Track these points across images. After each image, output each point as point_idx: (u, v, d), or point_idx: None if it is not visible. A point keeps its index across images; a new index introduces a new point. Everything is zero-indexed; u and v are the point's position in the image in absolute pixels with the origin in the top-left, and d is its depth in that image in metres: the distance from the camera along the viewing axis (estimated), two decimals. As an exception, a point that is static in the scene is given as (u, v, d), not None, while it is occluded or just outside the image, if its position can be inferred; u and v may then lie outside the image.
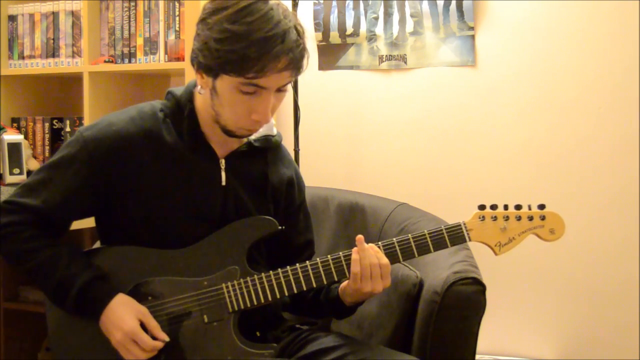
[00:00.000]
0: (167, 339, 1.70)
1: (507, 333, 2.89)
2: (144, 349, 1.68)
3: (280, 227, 1.79)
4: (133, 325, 1.68)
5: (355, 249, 1.74)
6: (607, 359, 2.75)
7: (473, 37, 2.87)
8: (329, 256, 1.76)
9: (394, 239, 1.78)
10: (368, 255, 1.73)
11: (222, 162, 1.79)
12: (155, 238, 1.75)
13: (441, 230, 1.78)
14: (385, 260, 1.74)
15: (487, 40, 2.87)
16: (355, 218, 2.40)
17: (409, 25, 2.96)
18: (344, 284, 1.79)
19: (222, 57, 1.62)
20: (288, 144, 2.01)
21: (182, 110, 1.78)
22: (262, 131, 1.84)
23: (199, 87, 1.74)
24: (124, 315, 1.68)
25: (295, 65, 1.65)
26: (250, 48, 1.59)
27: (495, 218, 1.80)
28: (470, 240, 1.80)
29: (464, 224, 1.79)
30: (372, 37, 3.02)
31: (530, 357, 2.86)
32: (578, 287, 2.80)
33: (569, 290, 2.81)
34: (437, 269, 1.99)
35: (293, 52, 1.63)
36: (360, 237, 1.75)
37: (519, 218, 1.80)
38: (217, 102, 1.70)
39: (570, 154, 2.79)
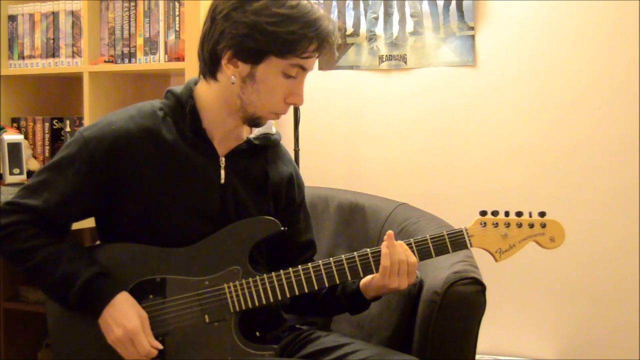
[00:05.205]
0: (160, 347, 1.70)
1: (507, 333, 2.89)
2: (139, 352, 1.68)
3: (282, 228, 1.79)
4: (136, 324, 1.68)
5: (385, 243, 1.75)
6: (607, 359, 2.75)
7: (473, 37, 2.87)
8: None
9: None
10: (397, 251, 1.75)
11: (222, 160, 1.80)
12: (155, 236, 1.75)
13: (443, 235, 1.79)
14: (413, 258, 1.76)
15: (487, 40, 2.87)
16: (355, 218, 2.40)
17: (409, 25, 2.96)
18: (367, 278, 1.80)
19: (280, 39, 1.66)
20: (288, 143, 2.02)
21: (183, 107, 1.78)
22: (261, 129, 1.85)
23: (233, 79, 1.73)
24: (128, 313, 1.68)
25: (332, 46, 1.74)
26: (306, 29, 1.67)
27: (496, 224, 1.80)
28: (471, 246, 1.81)
29: (466, 230, 1.80)
30: (372, 37, 3.02)
31: (530, 357, 2.86)
32: (578, 287, 2.79)
33: (569, 290, 2.81)
34: (437, 269, 1.99)
35: (335, 32, 1.73)
36: (390, 232, 1.77)
37: (519, 225, 1.81)
38: (253, 88, 1.72)
39: (570, 154, 2.79)
